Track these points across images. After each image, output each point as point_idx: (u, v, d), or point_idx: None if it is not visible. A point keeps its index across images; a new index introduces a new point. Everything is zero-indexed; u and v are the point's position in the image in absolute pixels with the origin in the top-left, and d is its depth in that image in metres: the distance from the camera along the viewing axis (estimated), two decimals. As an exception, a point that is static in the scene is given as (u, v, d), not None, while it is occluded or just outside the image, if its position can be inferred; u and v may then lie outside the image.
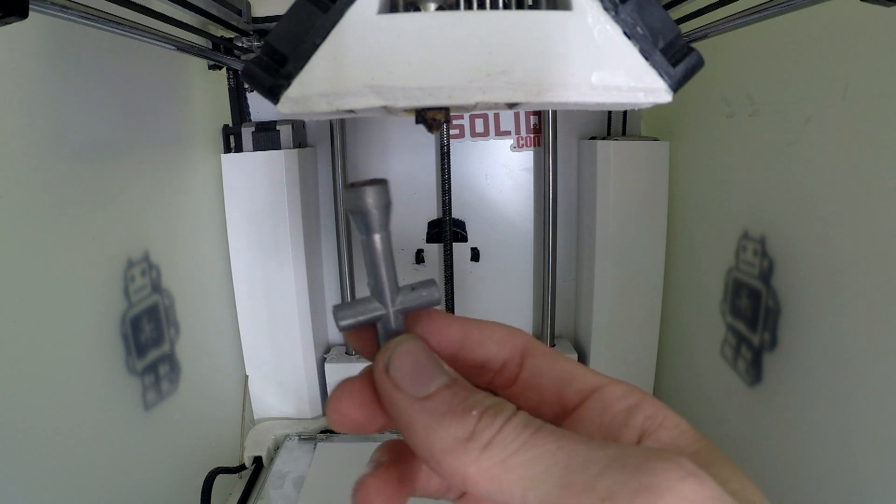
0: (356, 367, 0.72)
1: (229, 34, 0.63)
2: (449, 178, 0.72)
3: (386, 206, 0.17)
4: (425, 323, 0.19)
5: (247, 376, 0.72)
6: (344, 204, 0.16)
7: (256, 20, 0.65)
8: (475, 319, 0.19)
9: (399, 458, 0.18)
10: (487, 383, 0.19)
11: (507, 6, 0.18)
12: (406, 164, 0.74)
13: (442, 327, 0.19)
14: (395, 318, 0.18)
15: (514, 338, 0.19)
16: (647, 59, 0.17)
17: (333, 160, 0.69)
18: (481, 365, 0.19)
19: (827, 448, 0.41)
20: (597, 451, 0.13)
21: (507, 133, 0.73)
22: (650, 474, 0.12)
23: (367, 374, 0.18)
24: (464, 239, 0.76)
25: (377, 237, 0.17)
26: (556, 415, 0.18)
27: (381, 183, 0.17)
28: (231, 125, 0.70)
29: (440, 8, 0.17)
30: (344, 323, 0.18)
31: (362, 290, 0.76)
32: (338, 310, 0.18)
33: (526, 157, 0.74)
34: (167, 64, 0.57)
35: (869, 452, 0.37)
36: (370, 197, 0.17)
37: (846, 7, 0.32)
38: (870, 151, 0.37)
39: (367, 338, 0.19)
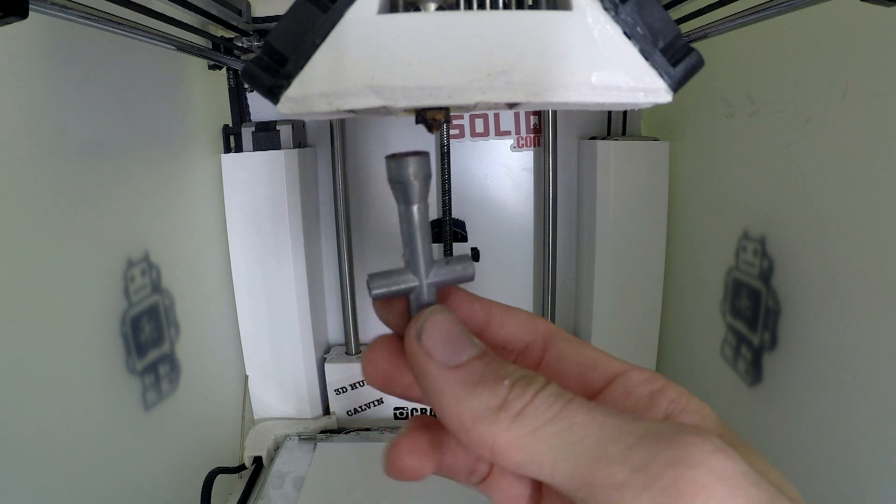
0: (356, 367, 0.72)
1: (229, 34, 0.63)
2: (449, 178, 0.72)
3: (426, 178, 0.17)
4: (451, 300, 0.19)
5: (247, 376, 0.72)
6: (387, 173, 0.17)
7: (256, 20, 0.65)
8: (498, 302, 0.19)
9: (430, 427, 0.18)
10: None
11: (507, 6, 0.18)
12: (406, 164, 0.74)
13: (467, 305, 0.19)
14: (428, 291, 0.18)
15: (537, 323, 0.19)
16: (647, 59, 0.17)
17: (333, 160, 0.69)
18: (503, 346, 0.19)
19: (827, 448, 0.41)
20: (628, 423, 0.13)
21: (507, 133, 0.73)
22: (682, 447, 0.12)
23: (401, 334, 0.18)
24: (464, 239, 0.76)
25: (415, 208, 0.17)
26: None
27: (422, 154, 0.17)
28: (231, 125, 0.70)
29: (440, 8, 0.17)
30: (377, 292, 0.18)
31: (362, 290, 0.76)
32: (372, 279, 0.18)
33: (526, 157, 0.74)
34: (167, 64, 0.57)
35: (869, 452, 0.37)
36: (412, 167, 0.17)
37: (846, 7, 0.32)
38: (869, 151, 0.37)
39: (396, 310, 0.19)
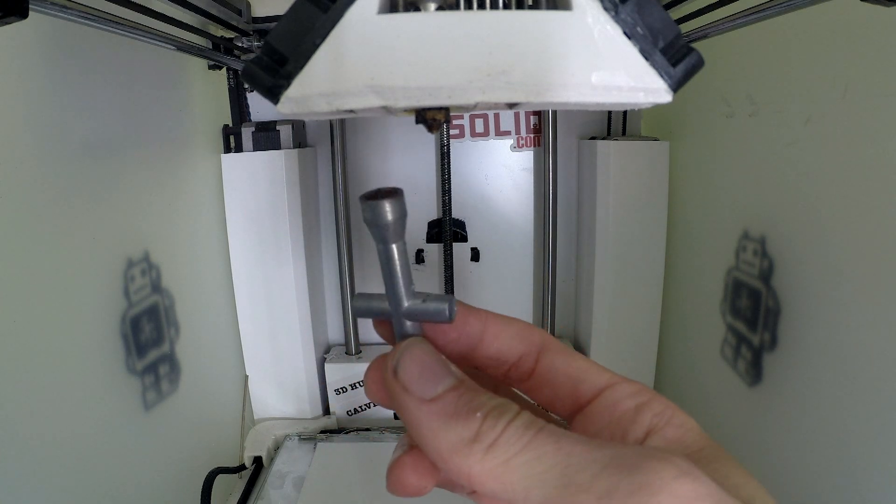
0: (356, 367, 0.72)
1: (229, 34, 0.63)
2: (449, 178, 0.72)
3: (402, 218, 0.17)
4: None
5: (247, 376, 0.72)
6: (362, 215, 0.18)
7: (256, 20, 0.65)
8: (494, 313, 0.20)
9: None
10: (504, 375, 0.20)
11: (507, 6, 0.18)
12: (406, 164, 0.74)
13: (463, 318, 0.19)
14: (405, 322, 0.19)
15: (532, 334, 0.20)
16: (647, 59, 0.17)
17: (333, 160, 0.69)
18: (497, 357, 0.20)
19: (827, 448, 0.41)
20: (595, 451, 0.14)
21: (507, 133, 0.73)
22: (645, 473, 0.13)
23: None
24: (464, 239, 0.76)
25: (393, 247, 0.18)
26: (570, 409, 0.19)
27: (396, 194, 0.17)
28: (231, 125, 0.70)
29: (440, 8, 0.17)
30: (356, 312, 0.19)
31: (362, 290, 0.76)
32: (355, 298, 0.19)
33: (526, 157, 0.74)
34: (167, 64, 0.57)
35: (868, 452, 0.37)
36: (387, 210, 0.17)
37: (846, 7, 0.32)
38: (870, 151, 0.37)
39: (388, 327, 0.20)
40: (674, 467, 0.13)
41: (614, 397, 0.17)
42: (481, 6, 0.18)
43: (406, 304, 0.18)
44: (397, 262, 0.18)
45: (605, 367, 0.19)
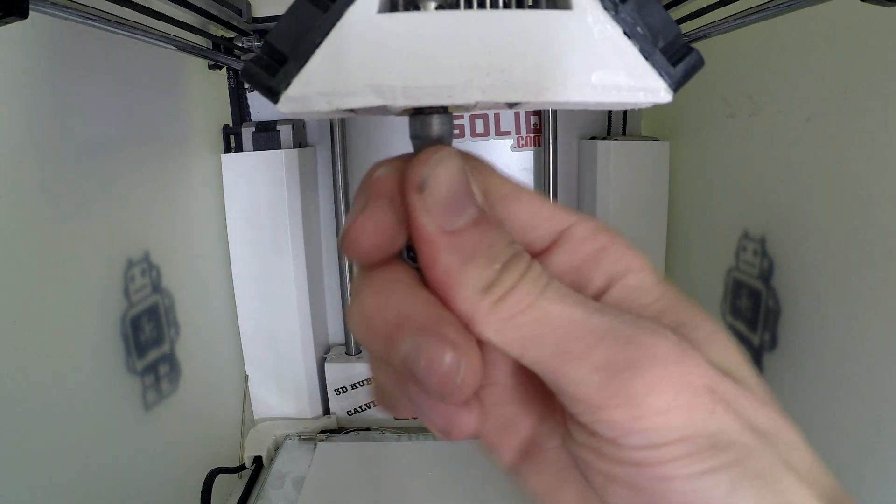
0: (356, 367, 0.72)
1: (229, 34, 0.63)
2: (449, 178, 0.72)
3: (449, 135, 0.18)
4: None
5: (247, 376, 0.72)
6: (410, 130, 0.17)
7: (256, 20, 0.65)
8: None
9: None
10: None
11: (506, 6, 0.18)
12: (406, 164, 0.74)
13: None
14: None
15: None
16: (647, 58, 0.17)
17: (333, 160, 0.69)
18: None
19: (826, 448, 0.41)
20: (594, 318, 0.14)
21: (507, 133, 0.73)
22: (639, 348, 0.14)
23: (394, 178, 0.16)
24: (464, 239, 0.76)
25: None
26: None
27: (446, 112, 0.17)
28: (231, 125, 0.70)
29: (440, 7, 0.17)
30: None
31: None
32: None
33: (526, 157, 0.74)
34: (167, 64, 0.57)
35: (868, 452, 0.37)
36: (434, 123, 0.17)
37: (846, 7, 0.32)
38: (869, 151, 0.37)
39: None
40: (666, 341, 0.14)
41: (571, 244, 0.16)
42: (481, 6, 0.18)
43: None
44: None
45: (555, 204, 0.17)
